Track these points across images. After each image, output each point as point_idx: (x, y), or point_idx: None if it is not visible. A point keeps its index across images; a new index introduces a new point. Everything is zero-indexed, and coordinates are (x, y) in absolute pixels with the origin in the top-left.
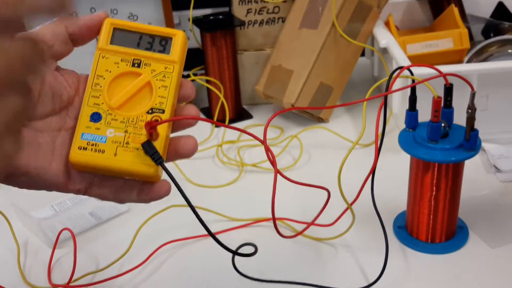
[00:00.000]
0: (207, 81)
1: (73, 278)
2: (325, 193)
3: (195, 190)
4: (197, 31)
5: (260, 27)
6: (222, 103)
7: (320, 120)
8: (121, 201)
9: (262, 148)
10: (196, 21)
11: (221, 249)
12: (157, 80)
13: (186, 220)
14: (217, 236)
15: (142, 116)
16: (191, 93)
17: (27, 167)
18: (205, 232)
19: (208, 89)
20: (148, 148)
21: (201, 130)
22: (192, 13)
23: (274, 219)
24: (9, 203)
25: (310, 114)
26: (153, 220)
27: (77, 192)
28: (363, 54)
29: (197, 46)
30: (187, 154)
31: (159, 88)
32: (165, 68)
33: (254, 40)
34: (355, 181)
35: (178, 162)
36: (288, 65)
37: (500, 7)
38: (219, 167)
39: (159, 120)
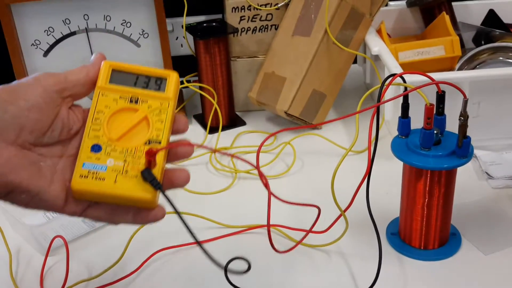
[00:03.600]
0: (201, 88)
1: (66, 286)
2: (318, 198)
3: (188, 196)
4: (190, 38)
5: (253, 34)
6: (216, 109)
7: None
8: (116, 223)
9: (255, 155)
10: (190, 28)
11: (215, 257)
12: (153, 114)
13: (179, 227)
14: (211, 242)
15: (140, 147)
16: (185, 127)
17: (29, 185)
18: (200, 239)
19: (202, 96)
20: (147, 175)
21: (195, 137)
22: (186, 20)
23: (269, 236)
24: (1, 210)
25: (303, 120)
26: (146, 227)
27: (73, 214)
28: (355, 62)
29: (190, 53)
30: (181, 185)
31: (155, 122)
32: (161, 104)
33: (247, 47)
34: (348, 187)
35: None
36: (281, 72)
37: (491, 14)
38: (213, 174)
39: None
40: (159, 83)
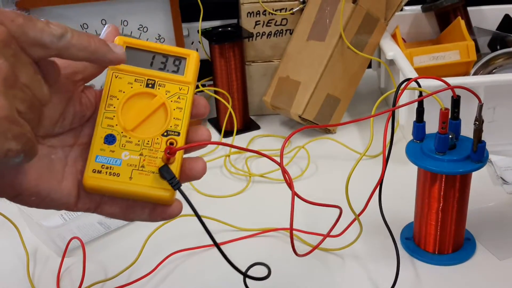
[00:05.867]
0: (216, 92)
1: (82, 287)
2: (332, 202)
3: (202, 199)
4: (205, 42)
5: (268, 39)
6: (230, 113)
7: (327, 131)
8: (131, 220)
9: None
10: (205, 33)
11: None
12: (172, 101)
13: (195, 229)
14: (225, 245)
15: (157, 138)
16: (205, 112)
17: (37, 187)
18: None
19: (217, 100)
20: (165, 173)
21: None
22: (201, 25)
23: (292, 240)
24: (18, 211)
25: (317, 124)
26: (162, 229)
27: (87, 210)
28: (369, 66)
29: (206, 57)
30: (197, 177)
31: (174, 110)
32: (180, 89)
33: (262, 51)
34: (362, 192)
35: None
36: (296, 77)
37: (507, 19)
38: (227, 177)
39: (175, 142)
40: (177, 63)
